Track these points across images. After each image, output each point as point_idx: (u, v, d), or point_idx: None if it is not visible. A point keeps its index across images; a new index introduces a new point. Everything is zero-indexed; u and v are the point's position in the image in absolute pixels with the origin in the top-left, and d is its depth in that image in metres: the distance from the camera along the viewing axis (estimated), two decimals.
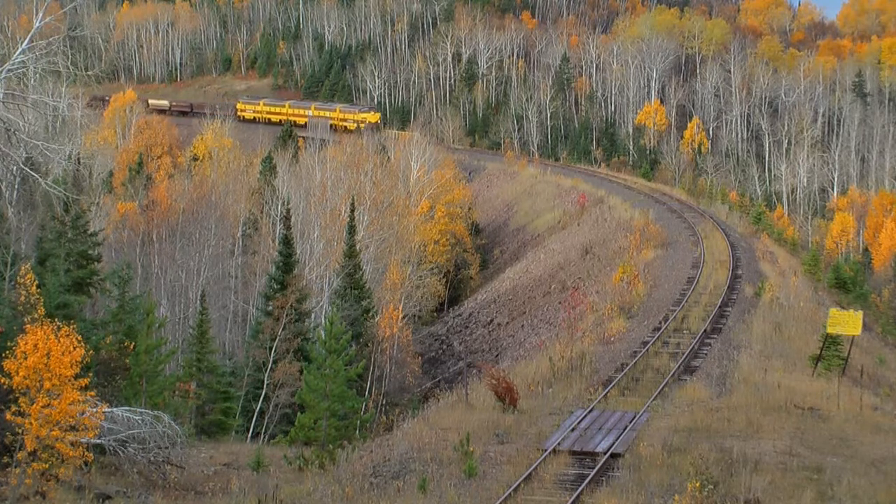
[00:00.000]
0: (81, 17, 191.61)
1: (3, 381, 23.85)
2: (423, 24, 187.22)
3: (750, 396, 34.41)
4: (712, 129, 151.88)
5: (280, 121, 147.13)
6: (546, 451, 27.79)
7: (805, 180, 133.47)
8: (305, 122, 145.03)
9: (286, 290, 45.36)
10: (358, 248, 57.60)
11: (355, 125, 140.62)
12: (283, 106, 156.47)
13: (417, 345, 69.32)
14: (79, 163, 58.65)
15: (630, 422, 30.83)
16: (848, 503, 24.37)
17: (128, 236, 67.07)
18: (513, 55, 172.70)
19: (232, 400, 40.62)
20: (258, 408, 42.14)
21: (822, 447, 28.84)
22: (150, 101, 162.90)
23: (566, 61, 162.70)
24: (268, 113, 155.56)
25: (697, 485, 23.71)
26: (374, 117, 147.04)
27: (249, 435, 41.19)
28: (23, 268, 29.01)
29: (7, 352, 24.15)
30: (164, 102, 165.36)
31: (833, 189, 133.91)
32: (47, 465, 23.39)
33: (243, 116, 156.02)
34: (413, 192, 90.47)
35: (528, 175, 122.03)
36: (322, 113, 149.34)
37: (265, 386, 42.46)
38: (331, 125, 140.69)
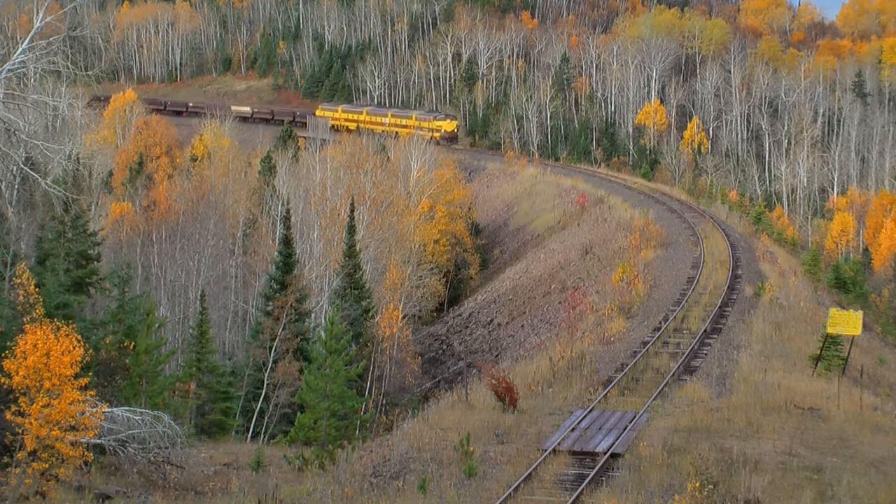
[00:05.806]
0: (81, 17, 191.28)
1: (3, 381, 23.84)
2: (423, 24, 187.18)
3: (750, 396, 34.40)
4: (712, 129, 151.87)
5: (357, 128, 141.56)
6: (546, 451, 27.78)
7: (805, 180, 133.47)
8: (383, 131, 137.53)
9: (286, 290, 45.36)
10: (358, 248, 57.56)
11: (430, 134, 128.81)
12: (361, 113, 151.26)
13: (417, 345, 69.29)
14: (79, 163, 58.68)
15: (630, 422, 30.82)
16: (848, 503, 24.36)
17: (128, 236, 67.03)
18: (513, 55, 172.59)
19: (232, 400, 40.62)
20: (258, 408, 42.13)
21: (822, 447, 28.84)
22: (233, 108, 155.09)
23: (566, 61, 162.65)
24: (346, 120, 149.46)
25: (697, 485, 23.70)
26: (450, 125, 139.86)
27: (249, 435, 41.17)
28: (19, 268, 28.98)
29: (7, 352, 24.14)
30: (247, 109, 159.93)
31: (833, 189, 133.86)
32: (47, 465, 23.39)
33: None
34: (413, 192, 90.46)
35: (528, 175, 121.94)
36: (398, 121, 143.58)
37: (265, 386, 42.45)
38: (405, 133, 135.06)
